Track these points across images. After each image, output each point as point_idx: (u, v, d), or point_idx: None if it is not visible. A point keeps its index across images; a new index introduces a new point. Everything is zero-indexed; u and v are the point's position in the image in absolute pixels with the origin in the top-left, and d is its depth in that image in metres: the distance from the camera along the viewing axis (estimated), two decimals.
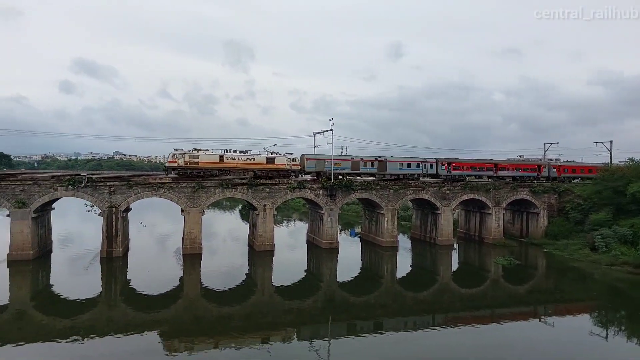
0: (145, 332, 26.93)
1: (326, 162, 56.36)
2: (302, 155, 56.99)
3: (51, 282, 38.48)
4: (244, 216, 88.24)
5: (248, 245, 55.30)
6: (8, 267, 40.79)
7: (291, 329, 28.48)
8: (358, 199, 57.55)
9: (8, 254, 42.19)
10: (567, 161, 77.63)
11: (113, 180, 45.68)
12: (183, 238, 49.19)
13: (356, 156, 58.82)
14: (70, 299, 33.45)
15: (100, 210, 45.24)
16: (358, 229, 70.49)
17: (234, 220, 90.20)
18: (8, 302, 32.40)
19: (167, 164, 52.23)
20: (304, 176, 56.51)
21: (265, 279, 41.72)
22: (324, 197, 52.88)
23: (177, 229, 63.41)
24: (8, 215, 42.79)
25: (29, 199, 42.73)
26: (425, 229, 62.76)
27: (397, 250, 54.76)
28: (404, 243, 61.09)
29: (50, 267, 43.30)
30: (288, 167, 54.54)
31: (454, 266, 49.76)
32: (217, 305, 32.77)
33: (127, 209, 47.50)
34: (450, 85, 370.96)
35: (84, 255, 47.79)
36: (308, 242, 59.07)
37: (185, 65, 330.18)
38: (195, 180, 48.35)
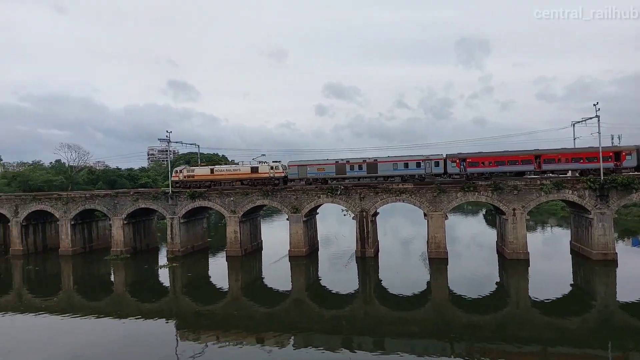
0: (398, 329, 28.30)
1: (308, 168, 55.36)
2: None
3: (319, 276, 45.22)
4: (489, 221, 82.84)
5: (497, 253, 51.43)
6: (289, 261, 50.19)
7: (551, 348, 24.67)
8: None
9: (289, 251, 51.94)
10: None
11: (362, 188, 50.42)
12: (427, 242, 49.79)
13: (342, 159, 55.61)
14: (333, 292, 38.48)
15: (353, 215, 50.59)
16: None
17: (477, 225, 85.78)
18: (290, 290, 39.85)
19: (172, 179, 59.24)
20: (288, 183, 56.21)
21: (519, 290, 37.77)
22: (591, 198, 44.30)
23: (419, 232, 64.87)
24: (287, 219, 52.74)
25: (300, 205, 51.63)
26: None
27: None
28: None
29: (318, 263, 50.95)
30: (271, 175, 55.55)
31: None
32: (466, 312, 31.59)
33: (375, 213, 51.50)
34: None
35: (342, 254, 54.27)
36: (572, 251, 50.46)
37: (419, 73, 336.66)
38: (434, 184, 48.36)
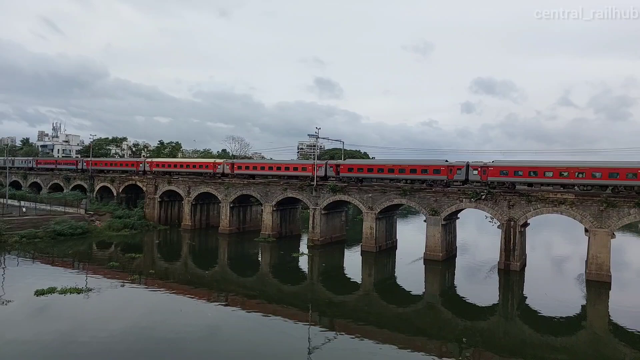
0: (545, 356, 25.50)
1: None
2: None
3: (455, 284, 43.28)
4: None
5: None
6: (424, 264, 49.05)
7: None
8: None
9: (424, 254, 50.70)
10: None
11: (512, 195, 46.31)
12: (587, 262, 43.42)
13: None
14: (469, 302, 36.44)
15: (498, 223, 46.86)
16: None
17: None
18: (423, 293, 39.10)
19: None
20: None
21: None
22: None
23: (576, 250, 57.11)
24: (424, 221, 51.49)
25: (440, 208, 49.87)
26: None
27: None
28: None
29: (455, 270, 48.67)
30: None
31: None
32: (632, 348, 26.78)
33: (525, 224, 46.85)
34: None
35: (482, 264, 50.73)
36: None
37: (590, 67, 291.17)
38: (601, 196, 41.72)
